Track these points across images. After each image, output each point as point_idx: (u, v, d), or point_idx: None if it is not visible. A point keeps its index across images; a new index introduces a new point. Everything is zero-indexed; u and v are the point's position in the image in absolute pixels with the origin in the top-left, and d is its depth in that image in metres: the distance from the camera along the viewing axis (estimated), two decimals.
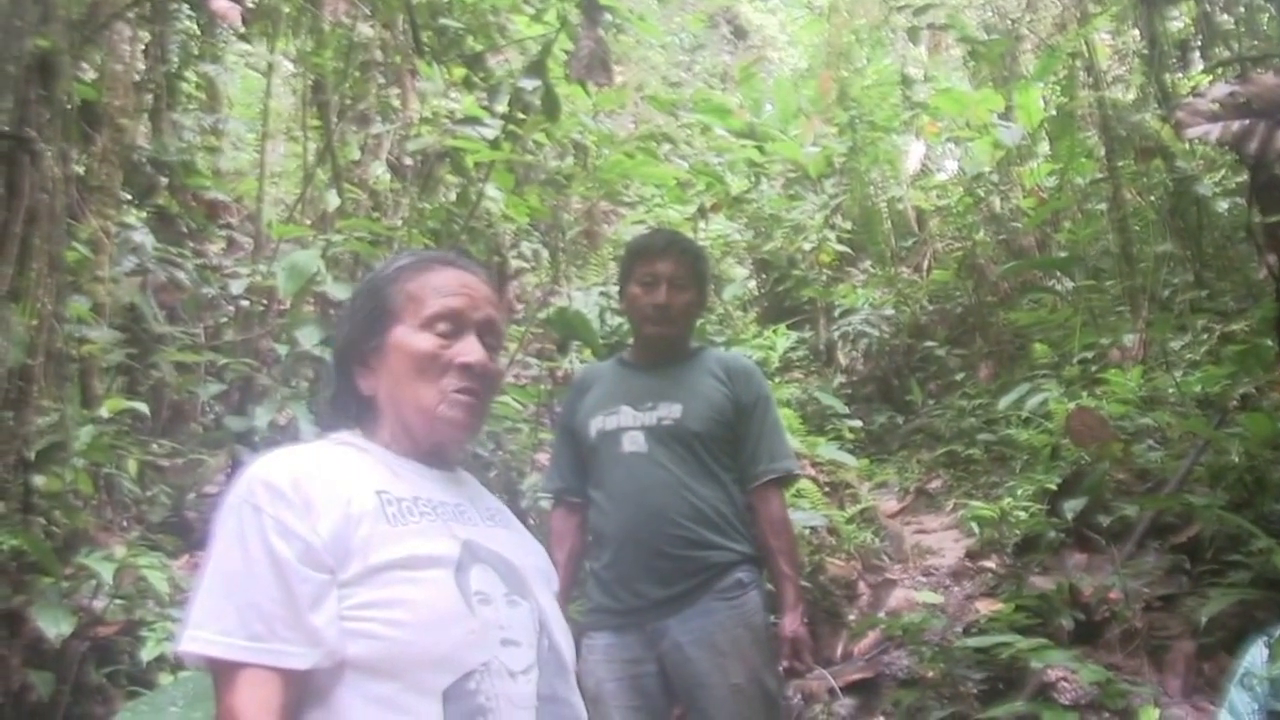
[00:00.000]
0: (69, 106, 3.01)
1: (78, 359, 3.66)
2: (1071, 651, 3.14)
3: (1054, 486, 4.44)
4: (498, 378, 1.39)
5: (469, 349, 1.33)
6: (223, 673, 1.15)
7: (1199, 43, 6.11)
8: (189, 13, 5.20)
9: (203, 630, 1.15)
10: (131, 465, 3.86)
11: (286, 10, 5.18)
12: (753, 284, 9.04)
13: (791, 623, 2.54)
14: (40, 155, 2.75)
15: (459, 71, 5.18)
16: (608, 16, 4.75)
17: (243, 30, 5.20)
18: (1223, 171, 6.28)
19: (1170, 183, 5.93)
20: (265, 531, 1.17)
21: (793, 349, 7.99)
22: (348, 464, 1.29)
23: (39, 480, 3.11)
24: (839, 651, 4.21)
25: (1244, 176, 5.11)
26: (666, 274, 2.62)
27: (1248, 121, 3.76)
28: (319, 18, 5.00)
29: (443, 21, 5.34)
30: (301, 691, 1.15)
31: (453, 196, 5.31)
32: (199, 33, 5.44)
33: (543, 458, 4.72)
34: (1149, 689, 3.05)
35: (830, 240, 8.06)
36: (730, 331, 7.61)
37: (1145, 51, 6.16)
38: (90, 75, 4.25)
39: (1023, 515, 4.66)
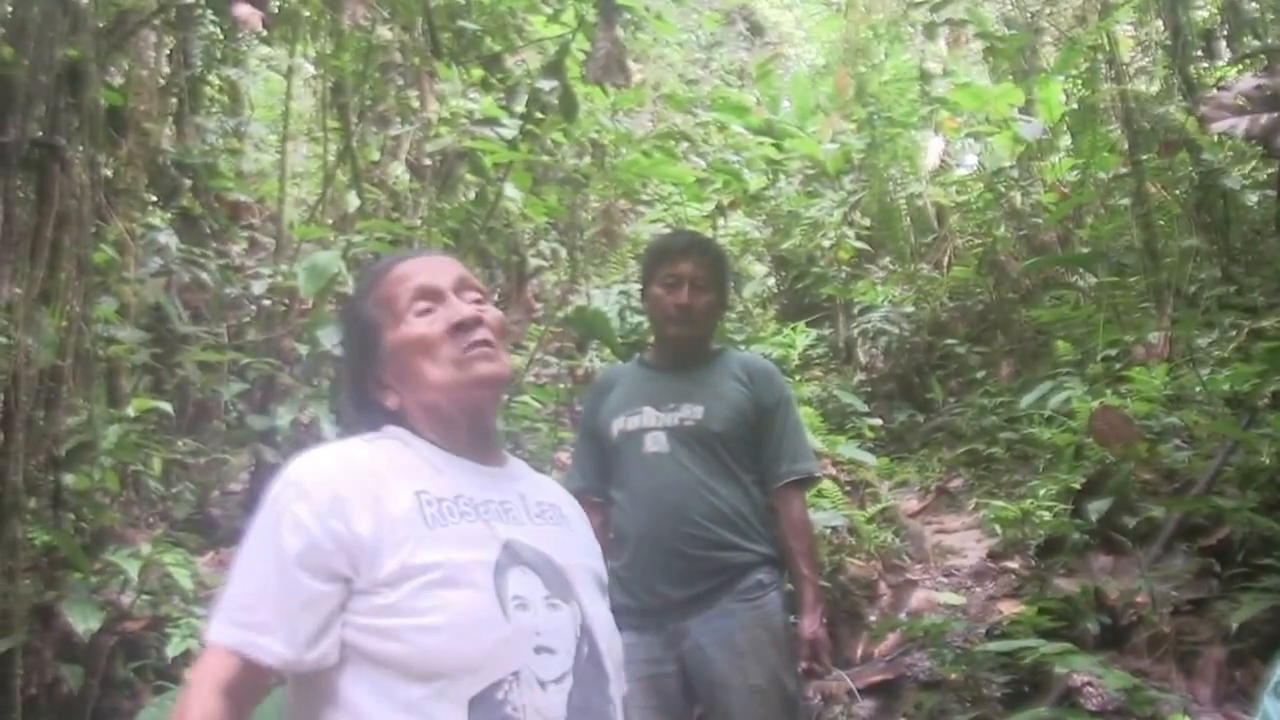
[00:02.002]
0: (96, 113, 3.05)
1: (105, 359, 3.71)
2: (1097, 657, 3.10)
3: (1078, 486, 4.40)
4: (496, 322, 1.37)
5: (454, 310, 1.33)
6: (204, 650, 1.22)
7: (1225, 33, 6.03)
8: (212, 18, 5.24)
9: (214, 618, 1.22)
10: (157, 463, 3.91)
11: (307, 14, 5.22)
12: (771, 281, 9.01)
13: (810, 624, 2.54)
14: (70, 161, 2.79)
15: (477, 72, 5.20)
16: (625, 16, 4.75)
17: (264, 34, 5.24)
18: (1252, 163, 6.19)
19: (1196, 176, 5.86)
20: (278, 531, 1.20)
21: (812, 347, 7.96)
22: (388, 462, 1.28)
23: (69, 478, 3.16)
24: (859, 653, 4.19)
25: (1274, 168, 5.06)
26: (689, 275, 2.63)
27: (1276, 114, 3.72)
28: (339, 21, 5.03)
29: (460, 23, 5.36)
30: (262, 686, 1.21)
31: (471, 196, 5.33)
32: (221, 37, 5.48)
33: (563, 456, 4.73)
34: (1178, 697, 3.00)
35: (849, 237, 8.02)
36: (749, 329, 7.60)
37: (1169, 42, 6.09)
38: (117, 81, 4.30)
39: (1046, 516, 4.62)
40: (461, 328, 1.32)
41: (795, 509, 2.62)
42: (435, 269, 1.38)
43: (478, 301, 1.37)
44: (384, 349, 1.34)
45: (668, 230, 7.02)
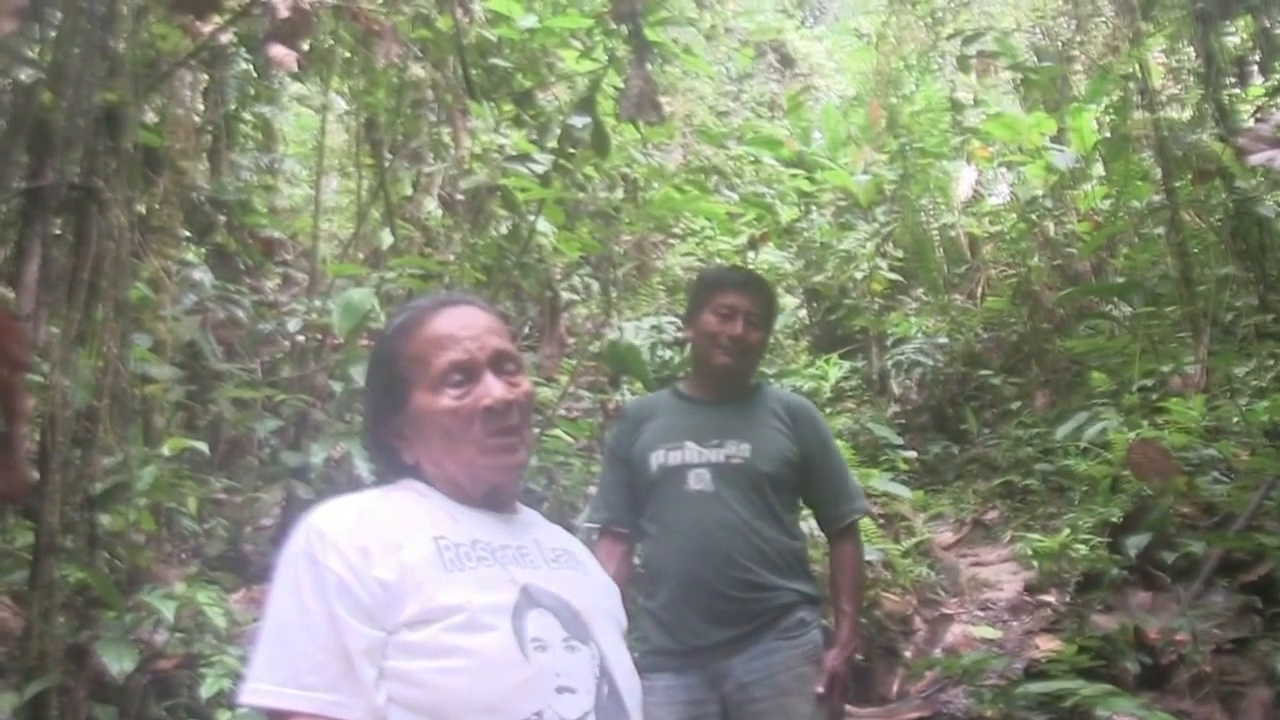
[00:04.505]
0: (134, 155, 3.11)
1: (140, 398, 3.74)
2: (1138, 698, 3.03)
3: (1115, 520, 4.32)
4: (526, 399, 1.37)
5: (485, 390, 1.33)
6: None
7: (1257, 58, 5.97)
8: (246, 56, 5.33)
9: (261, 682, 1.18)
10: (192, 502, 3.92)
11: (341, 52, 5.30)
12: (804, 313, 8.99)
13: (834, 658, 2.53)
14: (107, 204, 2.84)
15: (509, 109, 5.25)
16: (655, 52, 4.78)
17: (298, 73, 5.33)
18: None
19: (1231, 203, 5.79)
20: (321, 585, 1.19)
21: (845, 379, 7.92)
22: (405, 511, 1.30)
23: (104, 518, 3.18)
24: (895, 690, 4.13)
25: None
26: (745, 308, 2.64)
27: None
28: (372, 59, 5.11)
29: (492, 60, 5.43)
30: None
31: (504, 232, 5.36)
32: (256, 75, 5.58)
33: (595, 491, 4.71)
34: None
35: (882, 269, 8.00)
36: (781, 361, 7.57)
37: (1201, 70, 6.03)
38: (152, 120, 4.38)
39: (1083, 550, 4.54)
40: (491, 412, 1.33)
41: (850, 548, 2.68)
42: (473, 337, 1.36)
43: (513, 371, 1.37)
44: (410, 407, 1.35)
45: (701, 264, 7.04)
